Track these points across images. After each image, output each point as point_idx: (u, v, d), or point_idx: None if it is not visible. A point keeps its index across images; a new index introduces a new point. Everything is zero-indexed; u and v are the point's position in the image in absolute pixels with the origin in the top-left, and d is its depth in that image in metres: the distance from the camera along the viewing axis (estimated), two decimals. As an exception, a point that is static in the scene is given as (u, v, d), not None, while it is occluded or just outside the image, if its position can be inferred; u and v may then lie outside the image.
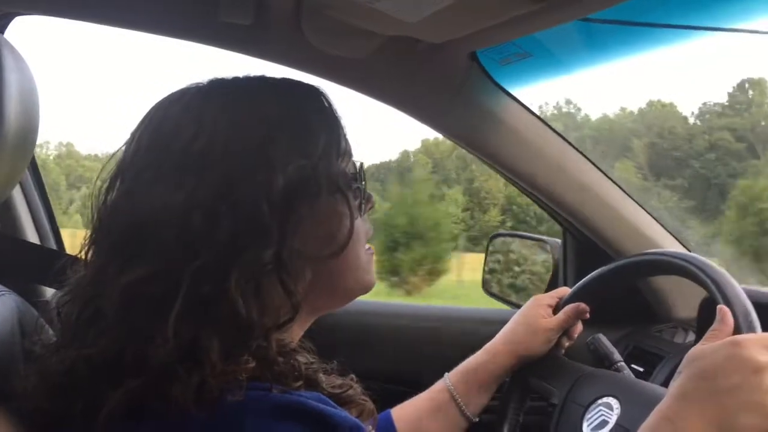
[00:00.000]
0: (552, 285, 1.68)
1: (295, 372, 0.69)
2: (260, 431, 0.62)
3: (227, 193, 0.69)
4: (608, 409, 1.03)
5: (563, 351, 1.22)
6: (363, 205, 0.82)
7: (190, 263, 0.66)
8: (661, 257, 1.12)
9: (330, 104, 0.82)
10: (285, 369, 0.68)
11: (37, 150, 0.95)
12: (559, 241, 1.70)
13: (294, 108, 0.77)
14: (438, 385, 1.17)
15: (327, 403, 0.68)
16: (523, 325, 1.19)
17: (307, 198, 0.73)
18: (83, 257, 0.75)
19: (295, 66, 1.23)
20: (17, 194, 1.36)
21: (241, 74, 0.81)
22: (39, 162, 1.52)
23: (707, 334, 0.88)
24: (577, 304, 1.18)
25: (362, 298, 0.90)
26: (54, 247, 1.46)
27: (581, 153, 1.44)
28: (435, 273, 13.77)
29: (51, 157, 25.90)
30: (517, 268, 1.82)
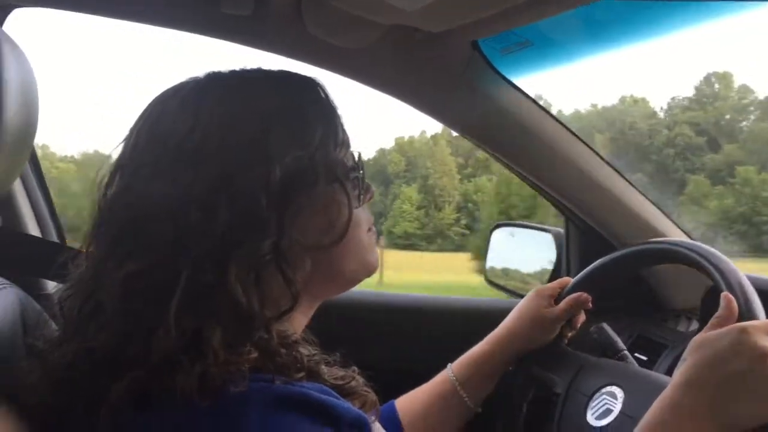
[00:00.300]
0: (555, 274, 1.68)
1: (298, 363, 0.69)
2: (263, 422, 0.62)
3: (224, 186, 0.69)
4: (612, 398, 1.03)
5: (566, 341, 1.22)
6: (362, 195, 0.82)
7: (189, 255, 0.67)
8: (664, 246, 1.12)
9: (327, 95, 0.82)
10: (287, 360, 0.68)
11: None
12: (562, 230, 1.70)
13: (290, 99, 0.77)
14: (441, 376, 1.18)
15: (330, 394, 0.68)
16: (525, 315, 1.19)
17: (305, 189, 0.73)
18: (84, 251, 0.75)
19: (296, 56, 1.22)
20: (18, 187, 1.36)
21: (238, 67, 0.81)
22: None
23: (711, 321, 0.88)
24: (578, 293, 1.18)
25: (365, 289, 0.90)
26: (56, 240, 1.46)
27: (583, 142, 1.44)
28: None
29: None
30: (519, 258, 1.82)
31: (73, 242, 1.44)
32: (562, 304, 1.18)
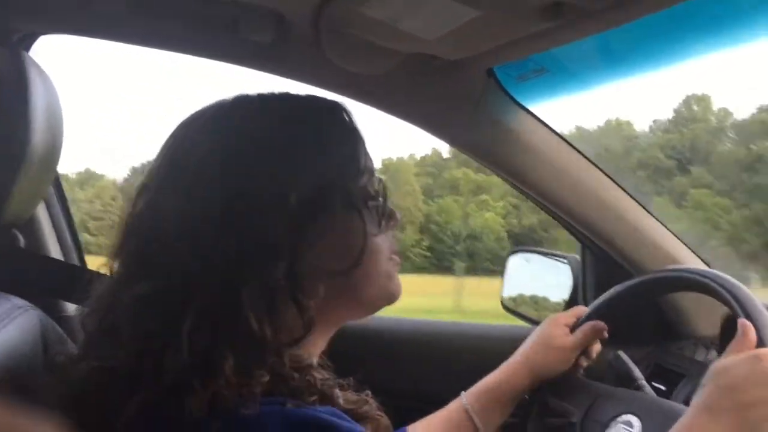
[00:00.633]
0: (571, 302, 1.67)
1: (311, 387, 0.69)
2: None
3: (240, 210, 0.70)
4: (629, 427, 1.01)
5: (582, 370, 1.20)
6: (384, 222, 0.81)
7: (203, 278, 0.68)
8: (682, 273, 1.11)
9: (351, 120, 0.82)
10: (300, 384, 0.69)
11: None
12: (578, 257, 1.69)
13: (311, 125, 0.78)
14: (454, 404, 1.17)
15: (342, 417, 0.69)
16: (541, 344, 1.18)
17: (322, 215, 0.74)
18: (107, 271, 0.77)
19: (315, 83, 1.24)
20: (41, 210, 1.38)
21: (266, 90, 0.82)
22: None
23: (729, 348, 0.88)
24: (594, 322, 1.16)
25: (380, 314, 0.90)
26: (77, 263, 1.48)
27: (600, 169, 1.44)
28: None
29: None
30: (535, 284, 1.81)
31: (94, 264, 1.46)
32: (578, 332, 1.17)
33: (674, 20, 1.12)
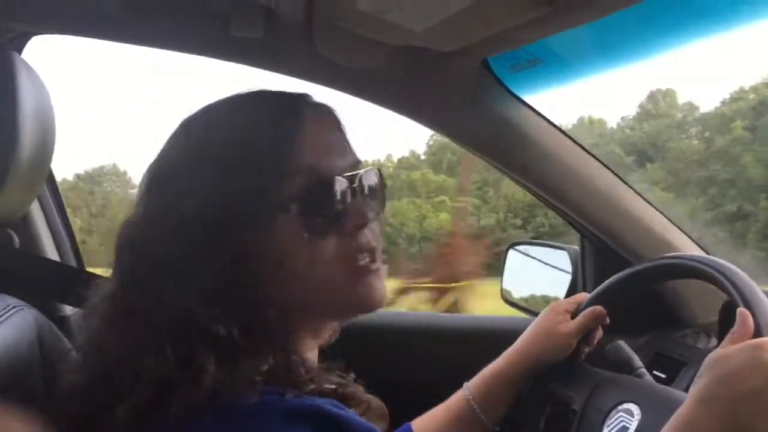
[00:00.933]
0: (571, 292, 1.67)
1: (300, 373, 0.70)
2: None
3: (184, 217, 0.71)
4: (629, 415, 1.01)
5: (583, 357, 1.20)
6: (332, 225, 0.76)
7: (162, 283, 0.70)
8: (681, 261, 1.11)
9: (301, 122, 0.77)
10: (288, 371, 0.69)
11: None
12: (577, 248, 1.69)
13: (252, 131, 0.75)
14: (457, 395, 1.17)
15: (340, 407, 0.69)
16: (542, 331, 1.18)
17: (261, 223, 0.73)
18: (105, 274, 0.77)
19: (307, 78, 1.24)
20: (36, 210, 1.38)
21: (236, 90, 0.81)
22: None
23: (727, 338, 0.87)
24: (594, 307, 1.16)
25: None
26: (74, 264, 1.48)
27: (596, 158, 1.43)
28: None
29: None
30: (534, 276, 1.81)
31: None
32: (578, 318, 1.17)
33: (667, 7, 1.12)
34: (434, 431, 1.13)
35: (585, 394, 1.11)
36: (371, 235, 0.79)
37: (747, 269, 0.99)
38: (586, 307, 1.18)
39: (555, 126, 1.39)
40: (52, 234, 1.41)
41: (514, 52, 1.23)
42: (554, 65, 1.30)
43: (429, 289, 9.25)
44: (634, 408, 1.02)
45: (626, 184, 1.46)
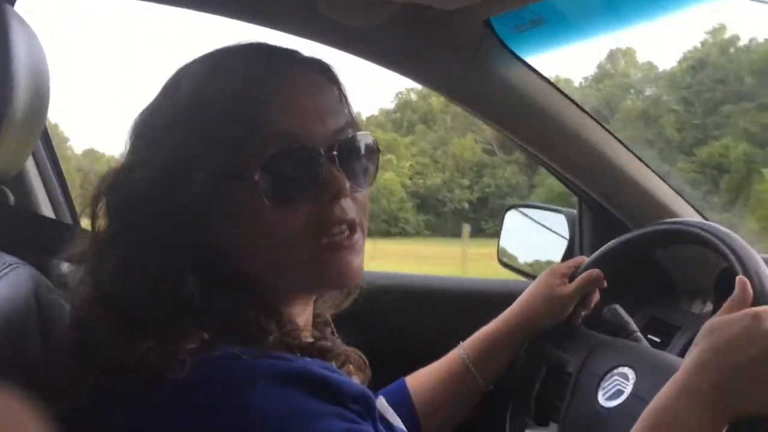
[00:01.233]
0: (567, 256, 1.67)
1: (258, 326, 0.70)
2: (268, 396, 0.62)
3: (166, 176, 0.70)
4: (624, 379, 1.02)
5: (579, 320, 1.21)
6: (302, 193, 0.72)
7: (132, 238, 0.70)
8: (680, 227, 1.11)
9: (282, 81, 0.74)
10: (250, 325, 0.70)
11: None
12: (575, 211, 1.68)
13: (230, 88, 0.72)
14: (452, 354, 1.18)
15: (333, 371, 0.69)
16: (539, 293, 1.18)
17: (229, 187, 0.71)
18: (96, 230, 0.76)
19: (307, 36, 1.21)
20: (31, 167, 1.37)
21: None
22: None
23: (725, 305, 0.87)
24: (591, 271, 1.17)
25: (375, 269, 0.89)
26: (69, 221, 1.47)
27: (597, 121, 1.42)
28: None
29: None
30: (532, 239, 1.81)
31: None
32: (576, 281, 1.17)
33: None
34: (428, 388, 1.14)
35: (580, 357, 1.11)
36: (350, 206, 0.75)
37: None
38: (584, 270, 1.18)
39: (557, 88, 1.38)
40: (47, 191, 1.40)
41: (517, 12, 1.20)
42: (558, 25, 1.27)
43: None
44: (629, 372, 1.03)
45: (627, 149, 1.45)
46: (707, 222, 1.11)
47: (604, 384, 1.04)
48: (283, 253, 0.72)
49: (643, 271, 1.48)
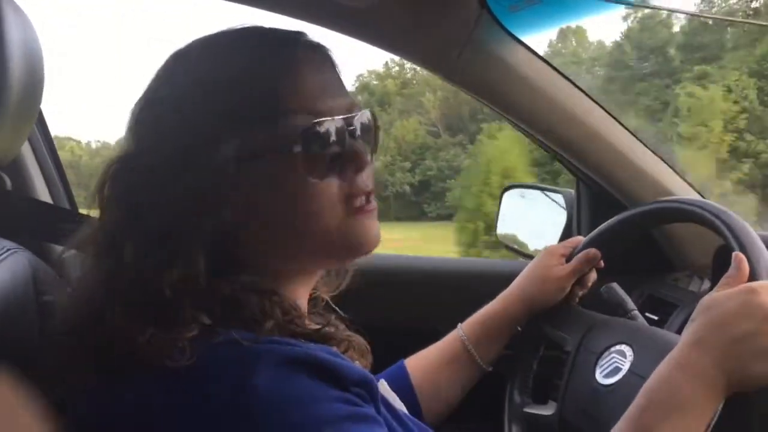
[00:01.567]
0: (565, 236, 1.67)
1: (265, 313, 0.70)
2: (272, 380, 0.62)
3: (182, 161, 0.70)
4: (621, 357, 1.03)
5: (577, 300, 1.22)
6: (331, 166, 0.74)
7: (151, 225, 0.69)
8: (676, 205, 1.11)
9: (297, 60, 0.75)
10: (255, 311, 0.69)
11: None
12: (573, 191, 1.68)
13: (248, 67, 0.73)
14: (451, 335, 1.18)
15: (336, 355, 0.69)
16: (537, 274, 1.19)
17: (256, 163, 0.71)
18: (97, 215, 0.76)
19: (301, 17, 1.20)
20: (27, 152, 1.36)
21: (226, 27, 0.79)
22: None
23: (722, 281, 0.88)
24: (588, 250, 1.17)
25: (378, 252, 0.89)
26: (66, 205, 1.47)
27: (594, 100, 1.42)
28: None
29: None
30: (530, 219, 1.81)
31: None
32: (573, 261, 1.18)
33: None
34: (428, 369, 1.15)
35: (578, 336, 1.12)
36: (369, 176, 0.78)
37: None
38: (581, 250, 1.19)
39: (553, 67, 1.37)
40: (43, 176, 1.40)
41: (513, -9, 1.20)
42: (554, 4, 1.27)
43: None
44: (626, 349, 1.03)
45: (624, 127, 1.45)
46: (704, 200, 1.11)
47: (601, 362, 1.05)
48: (316, 223, 0.74)
49: (640, 249, 1.49)
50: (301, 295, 0.80)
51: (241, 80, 0.72)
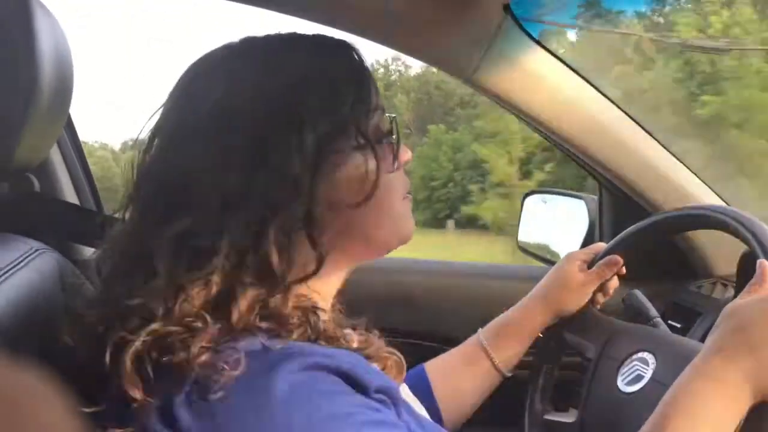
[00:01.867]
0: (587, 242, 1.67)
1: (310, 328, 0.70)
2: (293, 384, 0.62)
3: (259, 151, 0.70)
4: (643, 364, 1.02)
5: (599, 307, 1.21)
6: (396, 159, 0.80)
7: (228, 219, 0.68)
8: (700, 211, 1.10)
9: (360, 59, 0.80)
10: (300, 324, 0.69)
11: None
12: (595, 197, 1.67)
13: (323, 65, 0.76)
14: (471, 340, 1.18)
15: (359, 360, 0.69)
16: (558, 280, 1.18)
17: (337, 153, 0.73)
18: (121, 216, 0.77)
19: (322, 21, 1.21)
20: (56, 154, 1.38)
21: (273, 32, 0.80)
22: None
23: (746, 289, 0.87)
24: (611, 257, 1.16)
25: (397, 255, 0.90)
26: (93, 207, 1.49)
27: (619, 107, 1.41)
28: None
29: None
30: (551, 225, 1.80)
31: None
32: (595, 268, 1.17)
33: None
34: (447, 374, 1.15)
35: (600, 343, 1.11)
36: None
37: None
38: (603, 256, 1.18)
39: (578, 73, 1.37)
40: (71, 178, 1.42)
41: (537, -4, 1.20)
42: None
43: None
44: (649, 357, 1.02)
45: (648, 134, 1.44)
46: (728, 207, 1.10)
47: (623, 369, 1.04)
48: (389, 208, 0.80)
49: (663, 256, 1.48)
50: (334, 289, 0.82)
51: (321, 78, 0.75)
